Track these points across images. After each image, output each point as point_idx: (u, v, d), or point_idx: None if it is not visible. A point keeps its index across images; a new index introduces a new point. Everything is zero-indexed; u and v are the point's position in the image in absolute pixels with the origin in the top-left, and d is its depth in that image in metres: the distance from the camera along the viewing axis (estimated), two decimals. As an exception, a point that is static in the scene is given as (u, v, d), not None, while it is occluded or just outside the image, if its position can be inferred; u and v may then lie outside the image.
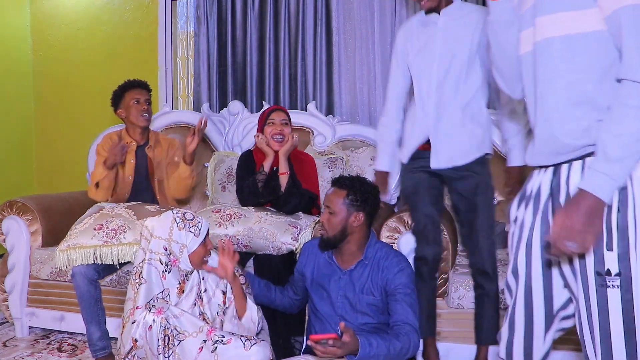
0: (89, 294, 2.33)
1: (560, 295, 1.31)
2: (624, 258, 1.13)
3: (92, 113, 3.85)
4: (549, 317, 1.33)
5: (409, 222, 2.29)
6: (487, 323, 2.15)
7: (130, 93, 2.72)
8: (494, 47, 1.43)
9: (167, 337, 1.74)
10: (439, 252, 2.17)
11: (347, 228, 1.89)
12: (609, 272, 1.14)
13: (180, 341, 1.75)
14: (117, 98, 2.74)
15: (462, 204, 2.15)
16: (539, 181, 1.31)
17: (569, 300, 1.31)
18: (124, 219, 2.40)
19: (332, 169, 2.96)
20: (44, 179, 4.22)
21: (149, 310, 1.76)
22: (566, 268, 1.25)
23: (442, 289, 2.29)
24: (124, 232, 2.36)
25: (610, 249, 1.14)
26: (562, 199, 1.24)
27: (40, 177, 4.24)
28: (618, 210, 1.14)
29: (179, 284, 1.90)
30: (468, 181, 2.11)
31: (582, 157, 1.20)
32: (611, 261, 1.14)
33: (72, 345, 2.66)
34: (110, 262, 2.35)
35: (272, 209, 2.51)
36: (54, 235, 2.74)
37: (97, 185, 2.66)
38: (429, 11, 2.14)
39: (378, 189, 2.01)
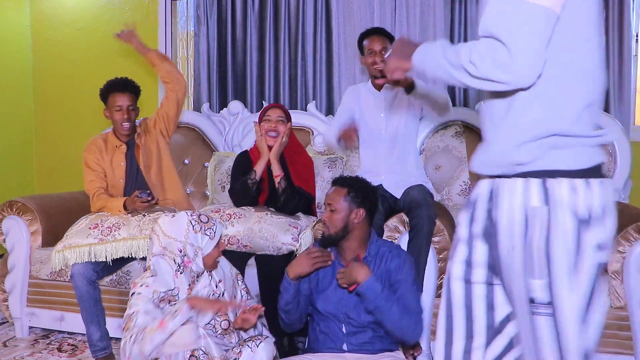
0: (88, 295, 2.33)
1: (501, 308, 1.26)
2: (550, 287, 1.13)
3: (92, 113, 3.84)
4: (491, 329, 1.27)
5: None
6: None
7: (114, 98, 2.61)
8: None
9: (193, 357, 1.75)
10: None
11: (348, 225, 1.93)
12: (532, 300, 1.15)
13: None
14: (104, 97, 2.66)
15: None
16: (480, 190, 1.26)
17: (507, 319, 1.25)
18: (119, 217, 2.45)
19: (332, 169, 2.95)
20: (44, 179, 4.22)
21: None
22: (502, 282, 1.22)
23: (442, 289, 2.28)
24: (119, 228, 2.39)
25: (537, 277, 1.13)
26: (497, 212, 1.18)
27: (40, 177, 4.24)
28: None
29: (189, 285, 1.88)
30: None
31: (512, 176, 1.15)
32: (539, 289, 1.14)
33: (72, 345, 2.66)
34: (104, 259, 2.35)
35: (273, 209, 2.51)
36: (54, 235, 2.74)
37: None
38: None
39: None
